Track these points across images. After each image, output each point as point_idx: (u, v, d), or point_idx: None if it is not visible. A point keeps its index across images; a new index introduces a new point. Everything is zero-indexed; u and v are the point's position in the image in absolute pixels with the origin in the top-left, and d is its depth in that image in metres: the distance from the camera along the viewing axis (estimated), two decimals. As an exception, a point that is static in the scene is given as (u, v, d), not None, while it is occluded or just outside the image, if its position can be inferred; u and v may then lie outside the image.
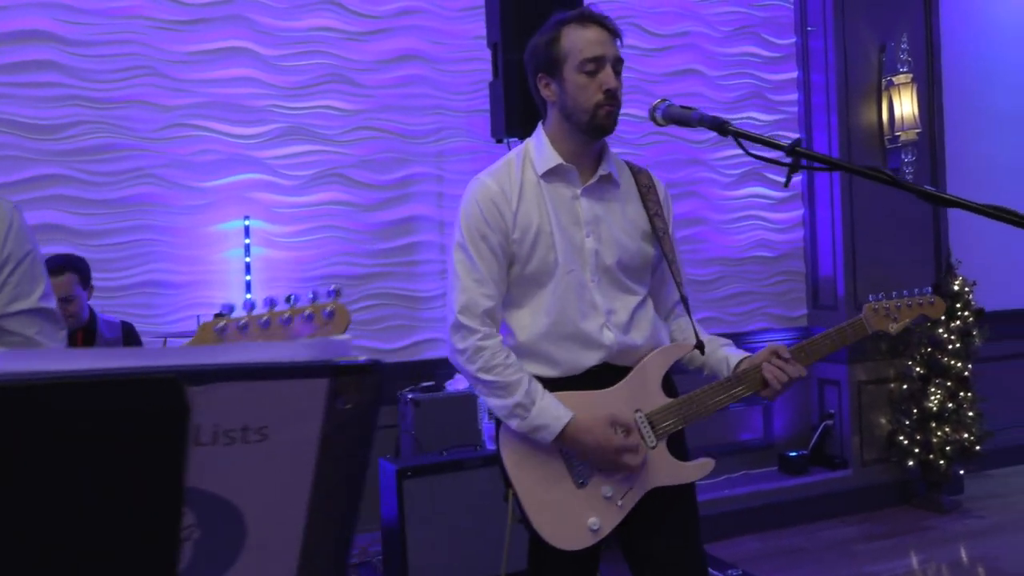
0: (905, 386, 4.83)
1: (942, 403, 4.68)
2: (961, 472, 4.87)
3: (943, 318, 4.75)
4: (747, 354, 1.99)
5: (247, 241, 3.90)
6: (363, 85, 4.17)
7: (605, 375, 1.92)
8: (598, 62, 1.86)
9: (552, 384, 1.89)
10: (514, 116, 3.57)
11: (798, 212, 5.11)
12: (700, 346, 1.99)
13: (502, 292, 1.93)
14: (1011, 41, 5.67)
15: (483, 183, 1.95)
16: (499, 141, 3.79)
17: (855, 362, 4.84)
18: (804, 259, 5.12)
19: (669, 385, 1.98)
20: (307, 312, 1.33)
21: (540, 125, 2.01)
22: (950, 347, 4.72)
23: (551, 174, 1.93)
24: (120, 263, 3.78)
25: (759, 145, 1.61)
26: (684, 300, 2.03)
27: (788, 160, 1.51)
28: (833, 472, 4.82)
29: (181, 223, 3.88)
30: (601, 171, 1.95)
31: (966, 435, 4.69)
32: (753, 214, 5.00)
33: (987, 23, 5.60)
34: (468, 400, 3.85)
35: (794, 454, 4.83)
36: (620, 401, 1.90)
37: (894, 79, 4.87)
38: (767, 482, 4.70)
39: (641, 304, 1.98)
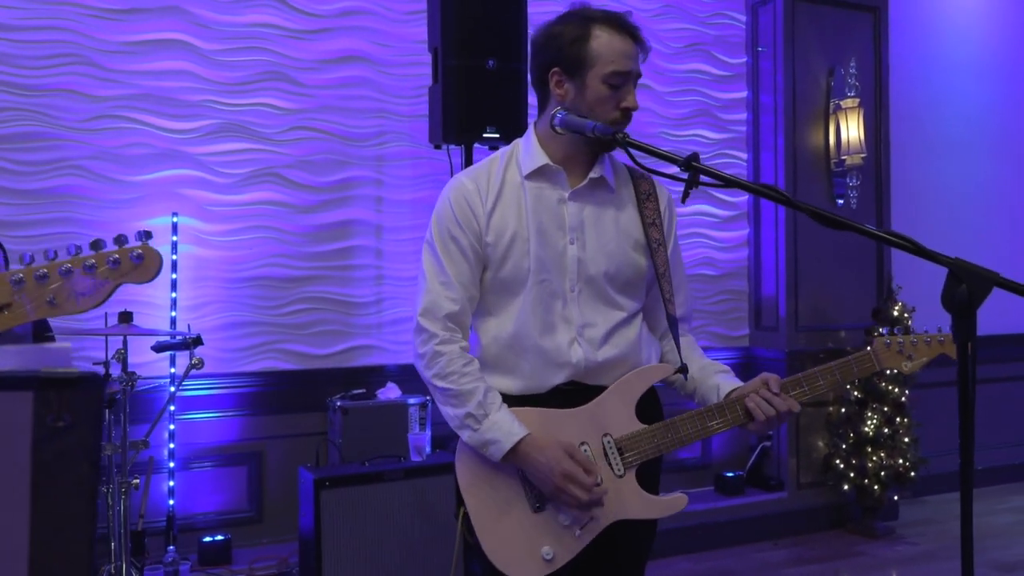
0: (843, 410, 4.83)
1: (878, 428, 4.69)
2: (895, 498, 4.88)
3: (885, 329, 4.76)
4: (741, 383, 1.83)
5: (174, 238, 3.79)
6: (303, 84, 4.09)
7: (574, 394, 1.79)
8: (625, 77, 1.76)
9: (517, 400, 1.78)
10: (452, 122, 3.52)
11: (743, 231, 5.11)
12: (683, 369, 1.84)
13: (471, 296, 1.81)
14: (958, 69, 5.74)
15: (459, 182, 1.84)
16: (437, 147, 3.73)
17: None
18: (748, 279, 5.11)
19: (650, 410, 1.84)
20: (113, 256, 1.22)
21: (532, 124, 1.89)
22: (888, 372, 4.73)
23: (537, 175, 1.82)
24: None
25: (656, 158, 1.55)
26: (671, 319, 1.87)
27: (685, 175, 1.46)
28: (769, 494, 4.80)
29: (107, 217, 3.76)
30: (593, 174, 1.82)
31: (901, 460, 4.70)
32: (698, 232, 4.99)
33: (935, 50, 5.66)
34: (398, 409, 3.77)
35: (731, 474, 4.80)
36: (587, 424, 1.77)
37: (841, 103, 4.89)
38: (702, 502, 4.66)
39: (626, 321, 1.84)
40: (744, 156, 5.11)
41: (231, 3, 3.97)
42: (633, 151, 1.58)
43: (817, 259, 4.89)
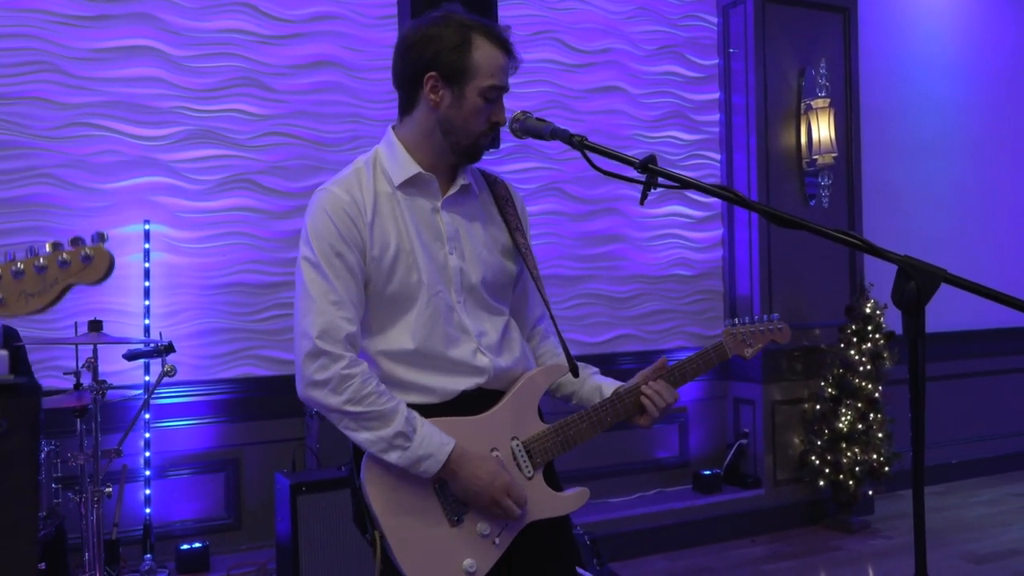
0: (818, 407, 4.88)
1: (852, 424, 4.74)
2: (870, 493, 4.93)
3: (855, 340, 4.82)
4: (620, 383, 1.88)
5: (147, 246, 3.77)
6: (275, 90, 4.09)
7: (478, 400, 1.77)
8: (500, 91, 1.73)
9: (422, 412, 1.72)
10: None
11: (717, 232, 5.14)
12: (574, 369, 1.85)
13: (360, 316, 1.73)
14: (927, 68, 5.82)
15: (332, 193, 1.72)
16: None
17: (770, 382, 4.88)
18: (722, 278, 5.15)
19: (540, 410, 1.85)
20: (63, 257, 1.22)
21: (391, 129, 1.82)
22: (861, 369, 4.78)
23: (409, 184, 1.76)
24: (11, 265, 3.62)
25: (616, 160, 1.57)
26: (553, 319, 1.89)
27: (642, 177, 1.48)
28: (746, 491, 4.84)
29: (78, 226, 3.73)
30: (461, 180, 1.80)
31: (875, 456, 4.75)
32: (673, 232, 5.02)
33: (904, 51, 5.73)
34: (373, 414, 3.76)
35: (708, 472, 4.84)
36: (494, 428, 1.76)
37: (812, 103, 4.94)
38: (680, 500, 4.69)
39: (508, 324, 1.85)
40: (717, 157, 5.15)
41: (201, 9, 3.96)
42: (591, 154, 1.58)
43: (790, 258, 4.94)
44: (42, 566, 2.94)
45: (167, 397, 3.85)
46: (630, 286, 4.88)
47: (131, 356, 3.38)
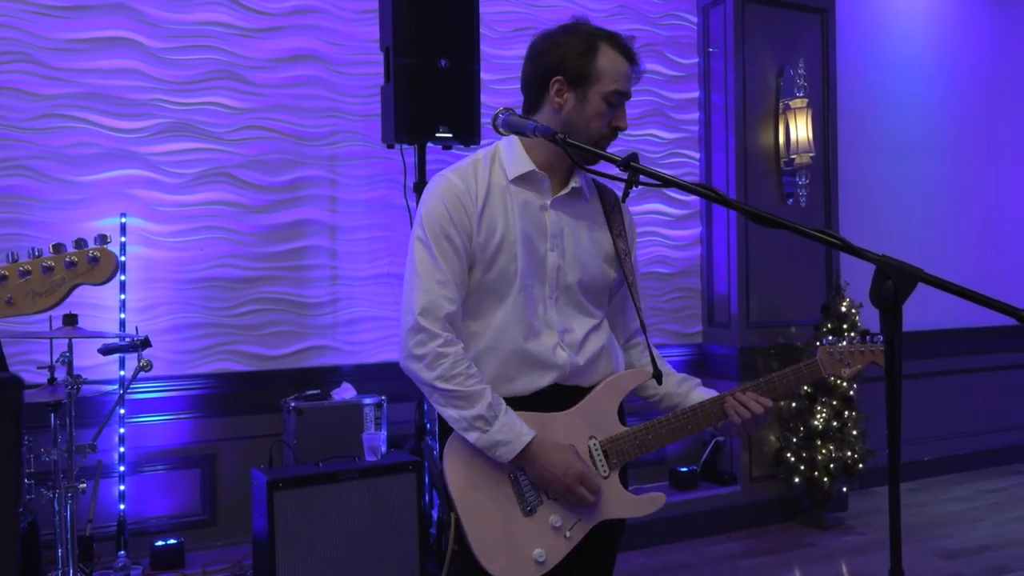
0: (793, 404, 4.92)
1: (827, 421, 4.79)
2: (844, 489, 4.98)
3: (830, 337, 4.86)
4: (714, 393, 1.92)
5: (123, 239, 3.74)
6: (254, 83, 4.06)
7: (555, 397, 1.83)
8: (623, 97, 1.81)
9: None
10: (404, 122, 3.52)
11: (696, 230, 5.17)
12: (657, 375, 1.91)
13: (462, 298, 1.81)
14: (905, 69, 5.88)
15: (449, 180, 1.82)
16: (390, 147, 3.73)
17: (746, 379, 4.89)
18: (701, 276, 5.18)
19: (622, 412, 1.90)
20: (70, 258, 1.27)
21: None
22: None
23: (522, 180, 1.83)
24: (-17, 258, 3.57)
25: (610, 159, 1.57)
26: (644, 327, 1.95)
27: (624, 175, 1.49)
28: (722, 488, 4.87)
29: (54, 218, 3.70)
30: (573, 184, 1.87)
31: (850, 453, 4.80)
32: (652, 230, 5.04)
33: (882, 51, 5.79)
34: (353, 410, 3.76)
35: (685, 469, 4.87)
36: (575, 426, 1.82)
37: (790, 103, 4.98)
38: (657, 497, 4.71)
39: (596, 327, 1.90)
40: (696, 155, 5.18)
41: (179, 1, 3.92)
42: (573, 151, 1.59)
43: (768, 257, 4.98)
44: (15, 562, 2.90)
45: (143, 392, 3.82)
46: (609, 283, 4.89)
47: (107, 351, 3.34)
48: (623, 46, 1.82)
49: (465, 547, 1.75)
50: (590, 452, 1.82)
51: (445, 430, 1.82)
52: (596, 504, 1.78)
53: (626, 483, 1.88)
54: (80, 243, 1.30)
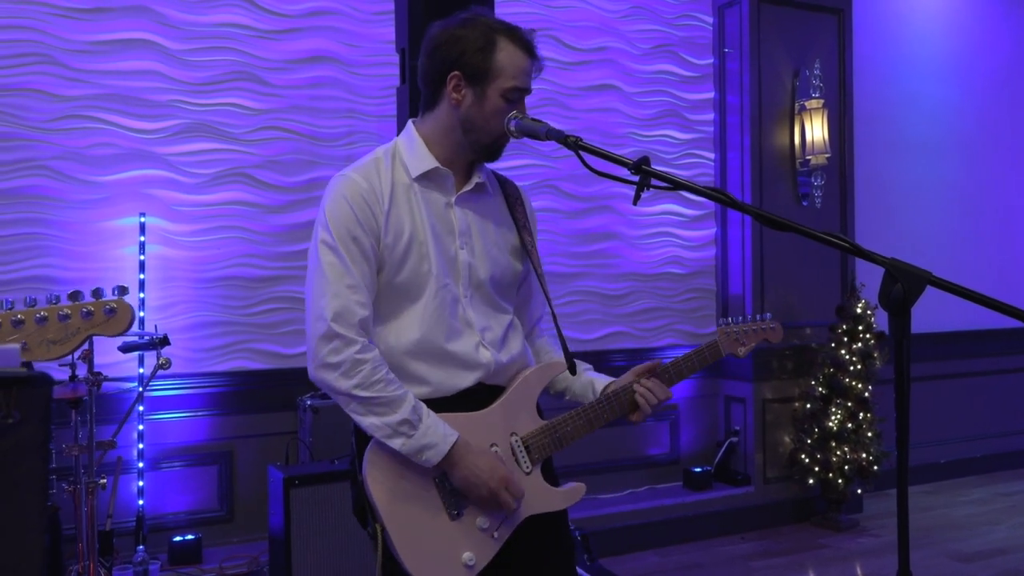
0: (808, 405, 4.91)
1: (842, 423, 4.78)
2: (859, 491, 4.97)
3: (845, 340, 4.86)
4: (612, 379, 1.92)
5: (142, 239, 3.78)
6: (272, 84, 4.10)
7: (479, 396, 1.80)
8: (522, 93, 1.78)
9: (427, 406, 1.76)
10: (420, 123, 3.54)
11: (711, 230, 5.17)
12: (572, 367, 1.88)
13: (372, 301, 1.75)
14: (921, 70, 5.85)
15: (352, 179, 1.75)
16: (405, 147, 3.74)
17: (761, 380, 4.91)
18: (715, 277, 5.18)
19: (539, 407, 1.88)
20: (87, 308, 1.28)
21: (411, 123, 1.86)
22: (851, 368, 4.81)
23: (425, 178, 1.79)
24: (8, 256, 3.64)
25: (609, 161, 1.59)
26: (555, 317, 1.91)
27: (635, 178, 1.50)
28: (736, 488, 4.87)
29: (74, 217, 3.75)
30: (476, 179, 1.84)
31: (864, 455, 4.79)
32: (666, 231, 5.05)
33: (898, 52, 5.76)
34: (367, 408, 3.78)
35: (699, 470, 4.87)
36: (496, 423, 1.79)
37: (806, 104, 4.97)
38: (670, 497, 4.73)
39: (512, 322, 1.89)
40: (711, 156, 5.18)
41: (198, 3, 3.97)
42: (585, 154, 1.61)
43: (782, 258, 4.97)
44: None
45: (161, 389, 3.87)
46: (623, 284, 4.90)
47: (127, 348, 3.39)
48: (523, 40, 1.78)
49: (393, 558, 1.71)
50: (512, 449, 1.80)
51: (362, 440, 1.75)
52: (520, 502, 1.76)
53: (551, 476, 1.87)
54: (97, 292, 1.30)
